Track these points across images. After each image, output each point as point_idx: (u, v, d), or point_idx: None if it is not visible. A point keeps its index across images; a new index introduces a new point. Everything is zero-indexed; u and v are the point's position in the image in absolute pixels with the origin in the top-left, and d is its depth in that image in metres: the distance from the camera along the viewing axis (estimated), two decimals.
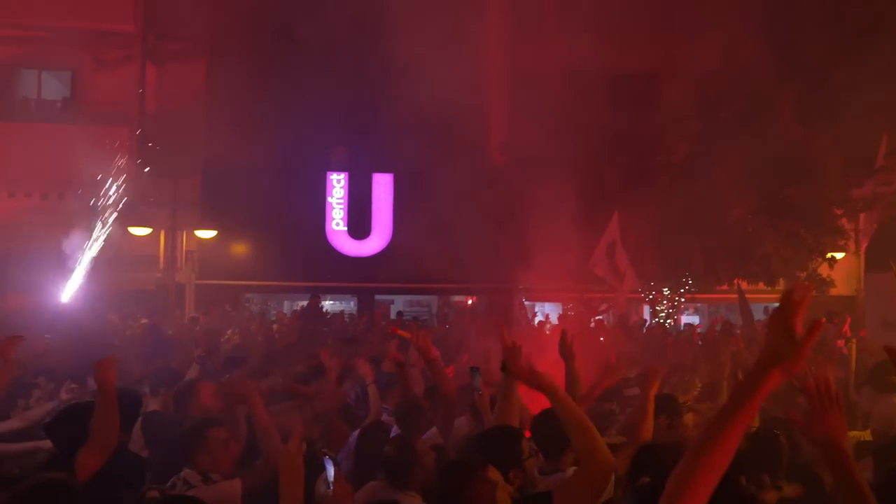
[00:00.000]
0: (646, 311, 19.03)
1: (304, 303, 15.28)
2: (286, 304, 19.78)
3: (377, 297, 19.54)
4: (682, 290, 15.66)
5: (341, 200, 18.49)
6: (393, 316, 17.10)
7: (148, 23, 16.92)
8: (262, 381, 5.36)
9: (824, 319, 1.80)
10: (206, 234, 15.86)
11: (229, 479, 3.22)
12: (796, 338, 1.52)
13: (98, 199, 14.09)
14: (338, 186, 18.48)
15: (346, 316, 15.91)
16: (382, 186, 18.64)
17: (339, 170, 18.52)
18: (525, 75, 19.31)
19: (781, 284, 15.10)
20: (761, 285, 15.16)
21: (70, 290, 10.27)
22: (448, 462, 2.48)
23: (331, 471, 2.50)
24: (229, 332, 11.22)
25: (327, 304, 17.97)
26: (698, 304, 20.78)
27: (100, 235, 11.78)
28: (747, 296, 13.20)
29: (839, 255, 15.11)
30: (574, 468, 3.03)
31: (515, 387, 3.19)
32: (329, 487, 2.46)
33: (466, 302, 21.52)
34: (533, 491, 2.94)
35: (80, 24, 16.22)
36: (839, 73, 13.50)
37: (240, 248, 17.68)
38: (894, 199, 12.69)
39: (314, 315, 13.37)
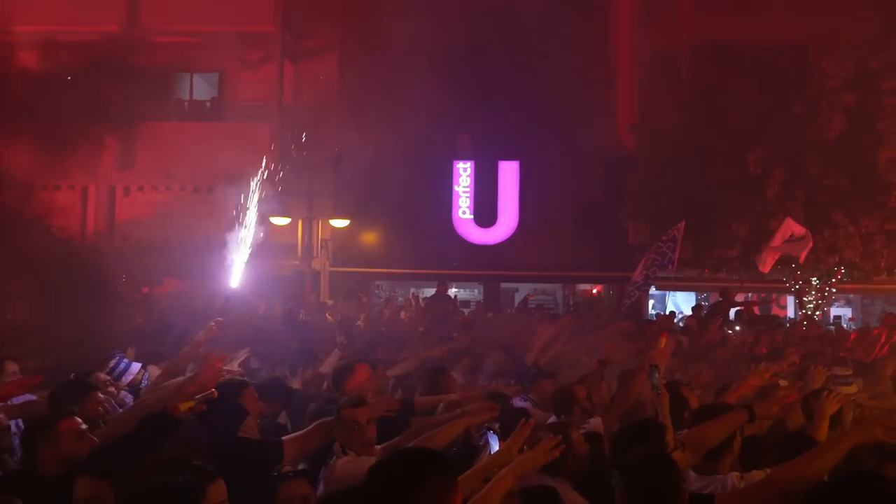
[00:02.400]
0: (790, 302, 17.78)
1: (431, 290, 15.55)
2: (412, 291, 20.22)
3: (503, 284, 19.55)
4: (832, 280, 14.45)
5: (468, 189, 18.61)
6: (517, 303, 17.04)
7: (285, 23, 17.80)
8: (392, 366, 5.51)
9: None
10: (340, 223, 16.51)
11: (366, 455, 3.28)
12: None
13: (243, 191, 15.04)
14: (464, 175, 18.61)
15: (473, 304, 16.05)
16: (508, 174, 18.57)
17: (465, 158, 18.65)
18: (659, 51, 18.52)
19: None
20: None
21: (237, 276, 11.07)
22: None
23: (495, 446, 2.49)
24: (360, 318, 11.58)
25: (453, 292, 18.22)
26: (850, 296, 19.12)
27: (251, 225, 12.59)
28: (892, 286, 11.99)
29: None
30: (738, 474, 2.86)
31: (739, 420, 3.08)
32: None
33: (592, 290, 21.07)
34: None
35: (225, 28, 17.34)
36: None
37: (370, 237, 18.26)
38: None
39: (445, 302, 13.54)
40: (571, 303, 20.08)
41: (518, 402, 4.96)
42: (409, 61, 18.71)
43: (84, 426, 3.23)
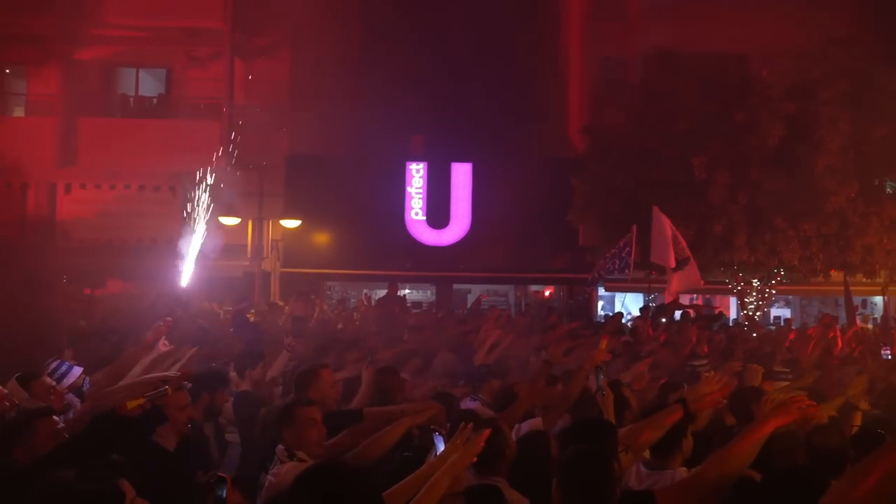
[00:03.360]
0: (732, 304, 18.33)
1: (384, 291, 15.49)
2: (364, 292, 20.13)
3: (455, 286, 19.62)
4: (773, 282, 14.97)
5: (420, 190, 18.62)
6: (469, 304, 17.13)
7: (235, 19, 17.50)
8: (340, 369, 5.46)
9: None
10: (291, 223, 16.30)
11: (316, 458, 3.25)
12: None
13: (191, 191, 14.72)
14: (417, 176, 18.62)
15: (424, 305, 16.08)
16: (461, 176, 18.66)
17: (418, 160, 18.66)
18: (608, 58, 18.91)
19: (882, 276, 14.21)
20: (860, 277, 14.30)
21: (186, 276, 10.83)
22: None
23: (441, 447, 2.50)
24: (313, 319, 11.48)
25: (406, 293, 18.19)
26: (789, 297, 19.83)
27: (200, 225, 12.34)
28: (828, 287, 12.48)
29: None
30: (684, 469, 2.94)
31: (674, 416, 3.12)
32: None
33: (544, 293, 21.33)
34: (626, 484, 2.86)
35: (173, 23, 16.96)
36: None
37: (322, 238, 18.10)
38: None
39: (395, 303, 13.50)
40: (524, 304, 20.28)
41: (468, 403, 5.00)
42: (361, 62, 18.64)
43: (61, 425, 3.17)
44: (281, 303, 14.25)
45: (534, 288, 21.38)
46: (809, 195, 12.83)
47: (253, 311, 11.13)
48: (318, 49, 17.42)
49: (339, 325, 10.45)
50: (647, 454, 3.05)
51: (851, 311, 15.02)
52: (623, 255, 11.32)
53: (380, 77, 17.89)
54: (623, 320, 13.63)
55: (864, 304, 18.45)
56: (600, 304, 19.35)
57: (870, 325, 15.49)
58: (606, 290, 18.87)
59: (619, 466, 2.68)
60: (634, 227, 11.25)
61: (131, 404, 2.82)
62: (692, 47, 14.98)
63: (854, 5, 16.36)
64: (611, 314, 16.18)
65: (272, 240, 17.63)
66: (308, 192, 17.44)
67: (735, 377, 4.78)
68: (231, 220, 15.54)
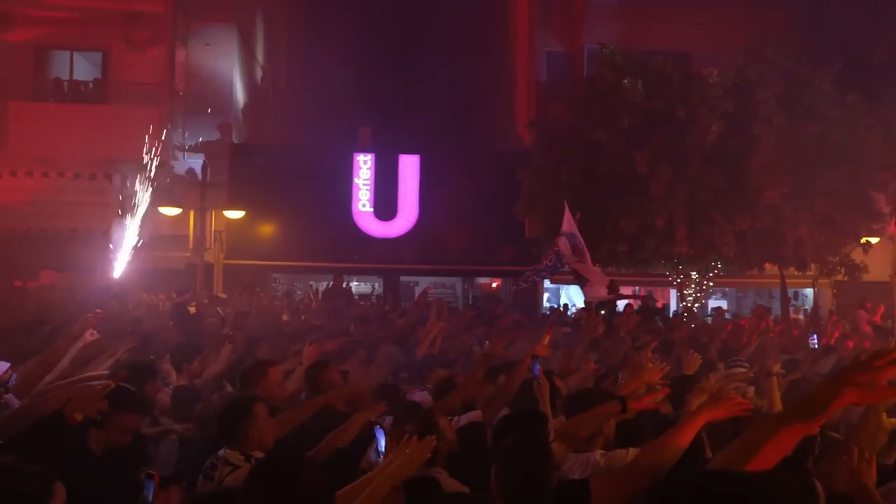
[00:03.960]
0: (672, 295, 18.86)
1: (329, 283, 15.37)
2: (310, 284, 19.93)
3: (402, 278, 19.60)
4: (711, 274, 15.44)
5: (367, 181, 18.49)
6: (416, 296, 17.16)
7: (177, 2, 16.97)
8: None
9: None
10: (235, 214, 15.98)
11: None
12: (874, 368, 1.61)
13: (129, 180, 14.27)
14: (364, 168, 18.48)
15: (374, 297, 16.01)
16: (409, 168, 18.61)
17: (365, 151, 18.52)
18: (555, 52, 19.13)
19: (813, 269, 14.83)
20: (792, 270, 14.89)
21: (121, 267, 10.46)
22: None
23: (381, 441, 2.50)
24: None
25: (353, 286, 18.07)
26: (726, 289, 20.52)
27: (137, 215, 11.97)
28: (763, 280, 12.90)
29: (874, 240, 14.75)
30: (601, 452, 3.01)
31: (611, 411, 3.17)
32: (379, 457, 2.45)
33: (491, 285, 21.51)
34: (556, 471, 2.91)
35: (110, 4, 16.35)
36: (880, 51, 13.12)
37: (267, 229, 17.81)
38: None
39: (340, 295, 13.41)
40: (471, 296, 20.42)
41: (417, 394, 5.00)
42: (309, 51, 18.39)
43: None
44: (224, 295, 13.99)
45: (481, 280, 21.53)
46: (745, 191, 13.26)
47: (194, 303, 10.89)
48: (264, 37, 17.08)
49: (284, 317, 10.32)
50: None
51: (785, 302, 15.67)
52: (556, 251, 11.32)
53: (326, 67, 17.68)
54: (567, 312, 13.92)
55: (797, 295, 19.23)
56: (546, 296, 19.62)
57: (801, 316, 16.18)
58: (552, 283, 19.15)
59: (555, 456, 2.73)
60: (577, 215, 11.31)
61: (79, 416, 2.76)
62: (635, 44, 15.28)
63: (788, 8, 16.98)
64: (556, 306, 16.48)
65: (215, 231, 17.26)
66: (253, 182, 17.11)
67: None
68: (171, 211, 15.15)
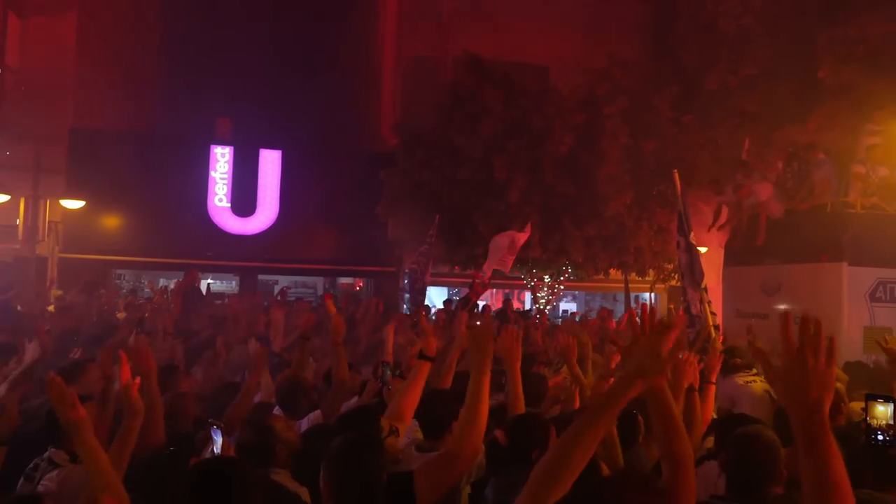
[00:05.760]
0: (527, 298, 19.73)
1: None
2: (161, 282, 18.83)
3: (260, 276, 18.99)
4: (562, 278, 16.31)
5: (225, 175, 17.76)
6: (275, 294, 16.69)
7: None
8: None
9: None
10: (73, 203, 14.72)
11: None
12: (661, 357, 1.74)
13: None
14: (222, 161, 17.73)
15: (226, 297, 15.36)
16: (270, 163, 18.09)
17: (224, 143, 17.77)
18: (421, 57, 19.40)
19: (651, 275, 16.10)
20: (634, 275, 16.08)
21: None
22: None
23: (218, 441, 2.44)
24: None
25: (210, 283, 17.25)
26: (576, 293, 21.78)
27: None
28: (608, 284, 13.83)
29: (703, 250, 16.23)
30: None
31: (425, 372, 3.26)
32: None
33: (355, 287, 21.37)
34: (397, 468, 2.97)
35: None
36: (712, 78, 14.48)
37: (112, 221, 16.61)
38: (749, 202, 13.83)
39: (192, 293, 12.75)
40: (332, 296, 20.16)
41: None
42: (163, 30, 17.32)
43: None
44: (60, 292, 12.88)
45: (343, 280, 21.33)
46: (593, 200, 14.14)
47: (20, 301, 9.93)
48: (111, 10, 15.90)
49: (120, 314, 9.68)
50: (420, 436, 3.19)
51: (628, 305, 16.87)
52: (424, 250, 11.66)
53: (184, 50, 16.77)
54: (428, 314, 14.14)
55: (637, 299, 20.77)
56: (406, 296, 19.79)
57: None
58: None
59: (392, 451, 2.79)
60: (437, 218, 11.64)
61: None
62: (497, 54, 15.85)
63: (638, 32, 18.36)
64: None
65: (50, 221, 15.86)
66: (95, 169, 15.86)
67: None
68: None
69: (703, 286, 7.24)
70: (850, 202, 7.99)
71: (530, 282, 16.39)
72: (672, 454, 1.81)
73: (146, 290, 16.53)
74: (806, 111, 11.71)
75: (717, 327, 7.01)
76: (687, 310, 7.18)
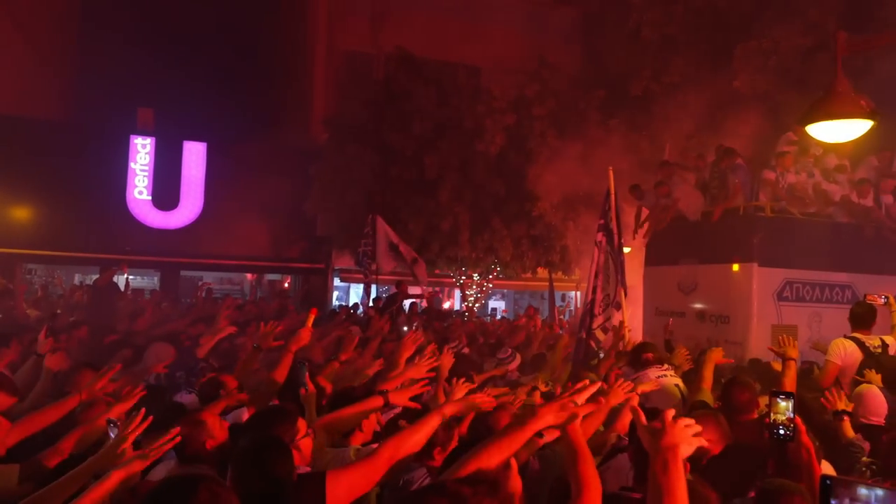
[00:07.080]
0: (456, 295, 19.87)
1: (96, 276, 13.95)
2: (77, 277, 17.98)
3: (183, 272, 18.40)
4: (491, 276, 16.51)
5: (146, 167, 17.11)
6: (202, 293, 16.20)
7: None
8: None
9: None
10: None
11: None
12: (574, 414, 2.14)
13: None
14: (143, 152, 17.06)
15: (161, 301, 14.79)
16: (194, 155, 17.53)
17: (145, 134, 17.10)
18: (354, 52, 19.22)
19: (577, 274, 16.50)
20: (560, 274, 16.43)
21: None
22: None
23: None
24: None
25: (127, 279, 16.56)
26: (505, 291, 22.09)
27: None
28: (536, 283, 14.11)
29: (627, 250, 16.75)
30: (356, 447, 3.11)
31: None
32: None
33: (283, 283, 20.98)
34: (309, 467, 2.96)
35: None
36: (636, 84, 14.94)
37: (20, 212, 15.73)
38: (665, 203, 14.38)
39: (109, 289, 12.23)
40: (258, 293, 19.73)
41: (184, 396, 4.74)
42: (83, 16, 16.54)
43: None
44: None
45: (270, 277, 20.92)
46: (521, 200, 14.38)
47: None
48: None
49: (31, 311, 9.20)
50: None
51: (553, 303, 17.25)
52: (366, 248, 11.60)
53: (104, 36, 16.04)
54: (357, 311, 14.03)
55: (563, 297, 21.24)
56: (335, 293, 19.61)
57: (566, 317, 17.91)
58: (342, 281, 19.19)
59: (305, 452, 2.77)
60: (378, 218, 11.59)
61: None
62: (430, 53, 15.88)
63: (566, 37, 18.75)
64: (344, 304, 16.53)
65: None
66: (3, 158, 14.98)
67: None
68: None
69: (618, 289, 7.48)
70: (761, 205, 8.38)
71: (459, 279, 16.52)
72: (578, 477, 2.09)
73: (56, 286, 15.73)
74: (722, 118, 12.25)
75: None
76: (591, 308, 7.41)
